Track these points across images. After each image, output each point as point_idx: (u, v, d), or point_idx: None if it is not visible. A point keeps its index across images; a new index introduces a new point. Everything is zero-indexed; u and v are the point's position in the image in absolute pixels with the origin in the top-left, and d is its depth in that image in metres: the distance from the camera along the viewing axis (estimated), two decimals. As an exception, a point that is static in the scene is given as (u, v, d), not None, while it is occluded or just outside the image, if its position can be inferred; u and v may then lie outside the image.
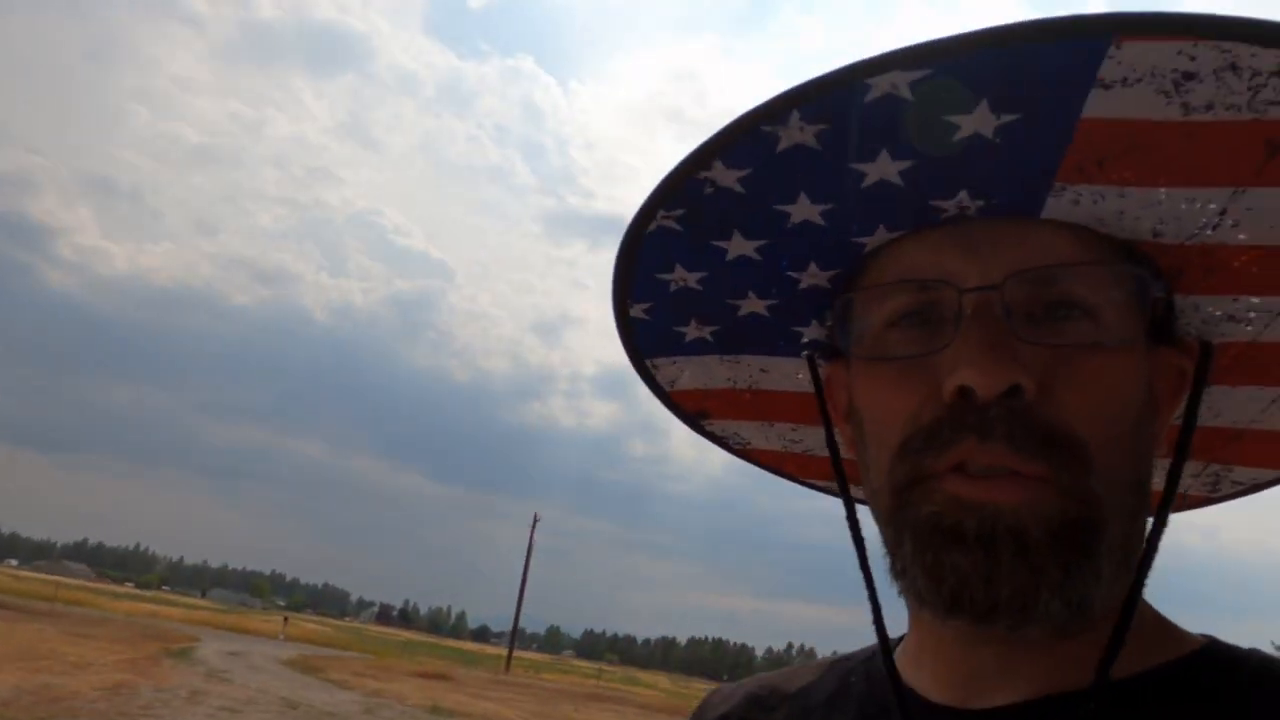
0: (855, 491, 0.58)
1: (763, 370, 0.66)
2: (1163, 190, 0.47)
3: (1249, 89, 0.41)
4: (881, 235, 0.53)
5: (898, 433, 0.50)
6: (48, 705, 10.51)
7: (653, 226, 0.56)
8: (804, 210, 0.53)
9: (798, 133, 0.48)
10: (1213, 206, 0.47)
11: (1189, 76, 0.41)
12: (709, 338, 0.65)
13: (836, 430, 0.61)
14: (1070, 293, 0.49)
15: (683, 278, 0.60)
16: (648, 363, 0.69)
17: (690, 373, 0.70)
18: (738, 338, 0.65)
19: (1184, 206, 0.47)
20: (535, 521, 49.46)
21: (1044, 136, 0.45)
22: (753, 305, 0.62)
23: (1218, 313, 0.53)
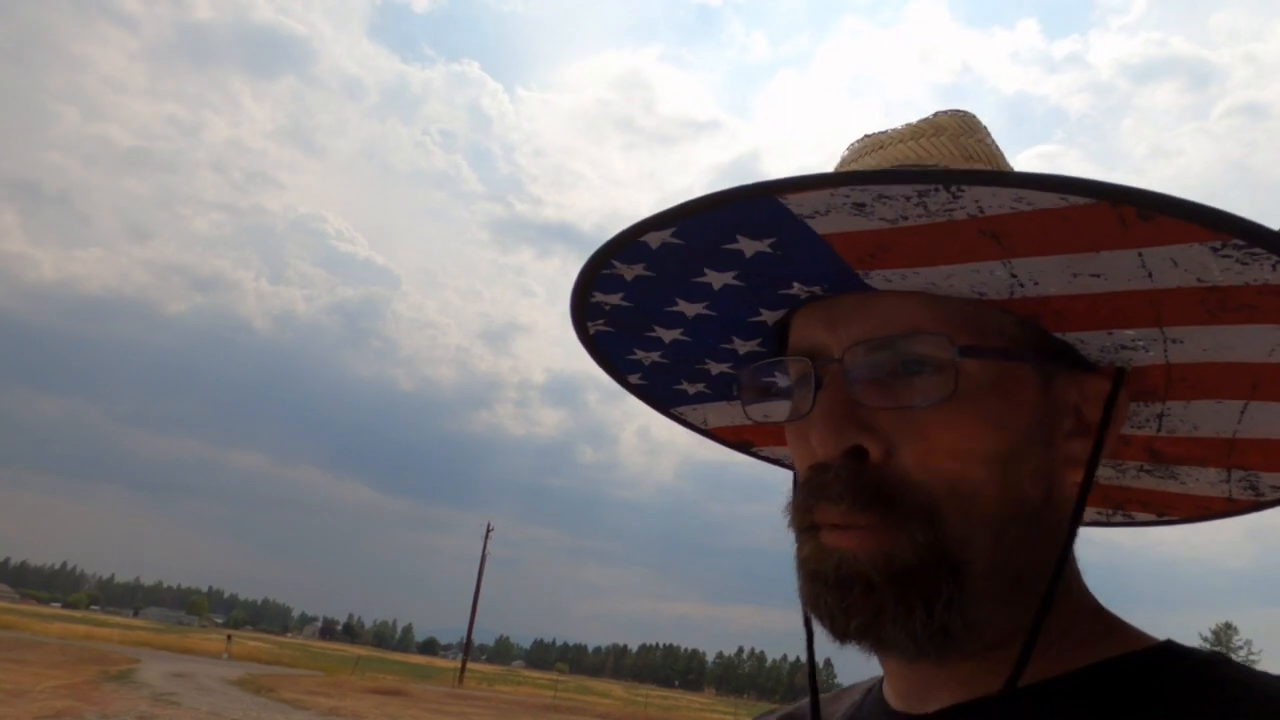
0: None
1: (766, 415, 0.72)
2: (945, 267, 0.51)
3: (915, 205, 0.47)
4: (769, 314, 0.62)
5: (799, 480, 0.59)
6: (-13, 737, 9.91)
7: (592, 331, 0.67)
8: (691, 308, 0.62)
9: (629, 270, 0.58)
10: (1000, 274, 0.51)
11: (859, 206, 0.47)
12: (706, 390, 0.75)
13: None
14: (916, 353, 0.54)
15: (647, 356, 0.71)
16: (674, 411, 0.79)
17: (714, 415, 0.79)
18: (727, 389, 0.74)
19: (976, 276, 0.52)
20: (489, 531, 48.82)
21: (808, 248, 0.52)
22: (718, 368, 0.71)
23: (1106, 344, 0.56)
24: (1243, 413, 0.60)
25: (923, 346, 0.53)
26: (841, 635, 0.54)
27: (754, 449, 0.83)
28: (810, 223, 0.49)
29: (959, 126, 0.62)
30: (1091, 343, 0.56)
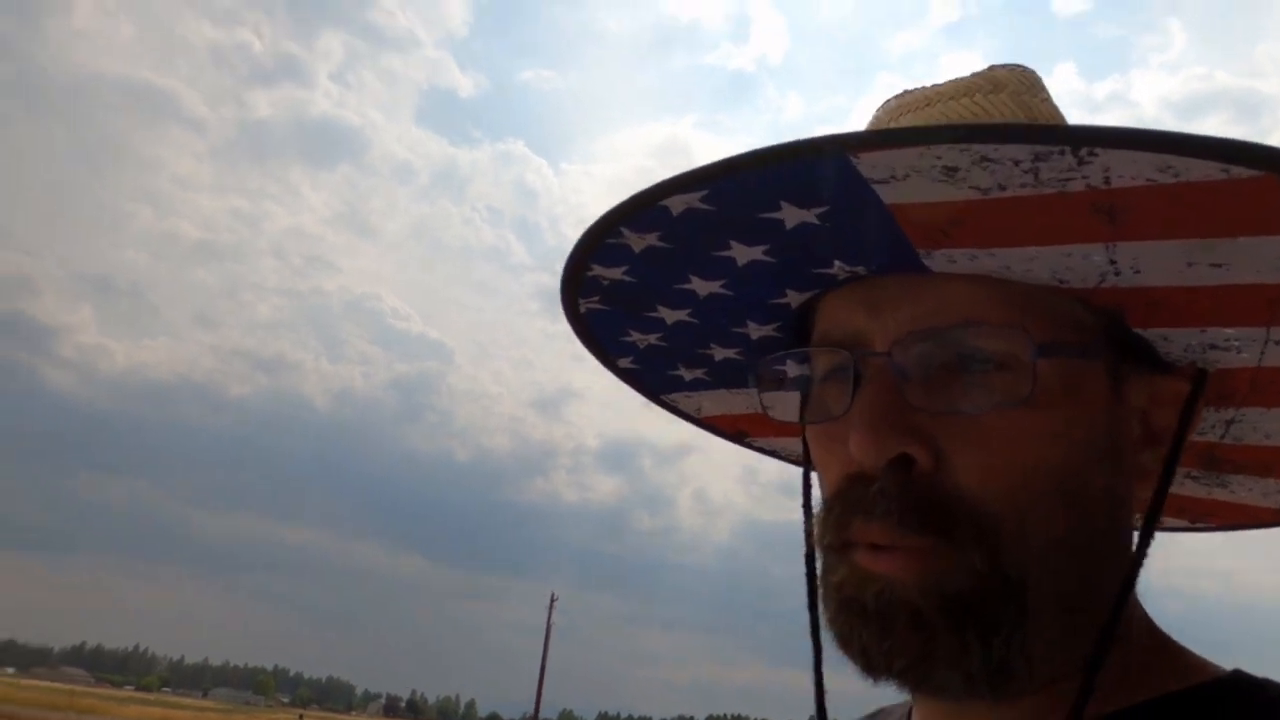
0: None
1: (785, 411, 0.63)
2: (1030, 249, 0.44)
3: (1024, 172, 0.39)
4: (795, 296, 0.54)
5: (826, 490, 0.52)
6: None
7: (583, 309, 0.59)
8: (704, 286, 0.54)
9: (639, 240, 0.50)
10: (1096, 259, 0.44)
11: (951, 170, 0.40)
12: (704, 377, 0.67)
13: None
14: (977, 347, 0.47)
15: (643, 339, 0.62)
16: (665, 398, 0.71)
17: (709, 403, 0.71)
18: (730, 376, 0.66)
19: (1064, 260, 0.45)
20: (553, 601, 48.61)
21: (867, 219, 0.45)
22: (723, 353, 0.63)
23: (1193, 342, 0.50)
24: None
25: (990, 341, 0.46)
26: (879, 674, 0.47)
27: (748, 439, 0.76)
28: (880, 189, 0.42)
29: (1020, 83, 0.53)
30: (1177, 340, 0.50)
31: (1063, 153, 0.38)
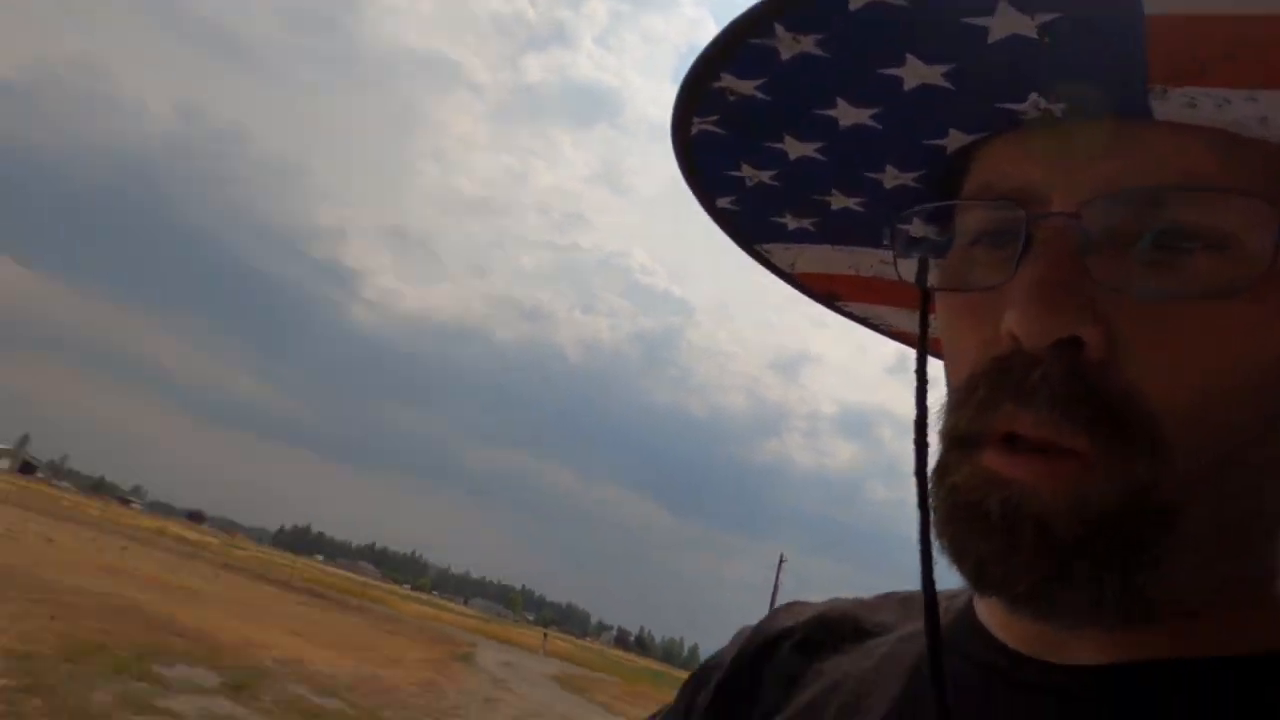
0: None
1: (883, 262, 0.54)
2: None
3: None
4: (959, 138, 0.43)
5: (958, 374, 0.42)
6: (381, 695, 12.02)
7: (695, 131, 0.49)
8: (849, 114, 0.44)
9: (793, 42, 0.40)
10: None
11: None
12: (810, 228, 0.56)
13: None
14: (1189, 219, 0.36)
15: (754, 174, 0.52)
16: (758, 248, 0.60)
17: (807, 258, 0.60)
18: (841, 230, 0.55)
19: None
20: (781, 562, 48.67)
21: (1106, 36, 0.34)
22: (841, 201, 0.52)
23: None
24: None
25: (1213, 213, 0.35)
26: (991, 592, 0.39)
27: (839, 302, 0.64)
28: None
29: None
30: None
31: None
